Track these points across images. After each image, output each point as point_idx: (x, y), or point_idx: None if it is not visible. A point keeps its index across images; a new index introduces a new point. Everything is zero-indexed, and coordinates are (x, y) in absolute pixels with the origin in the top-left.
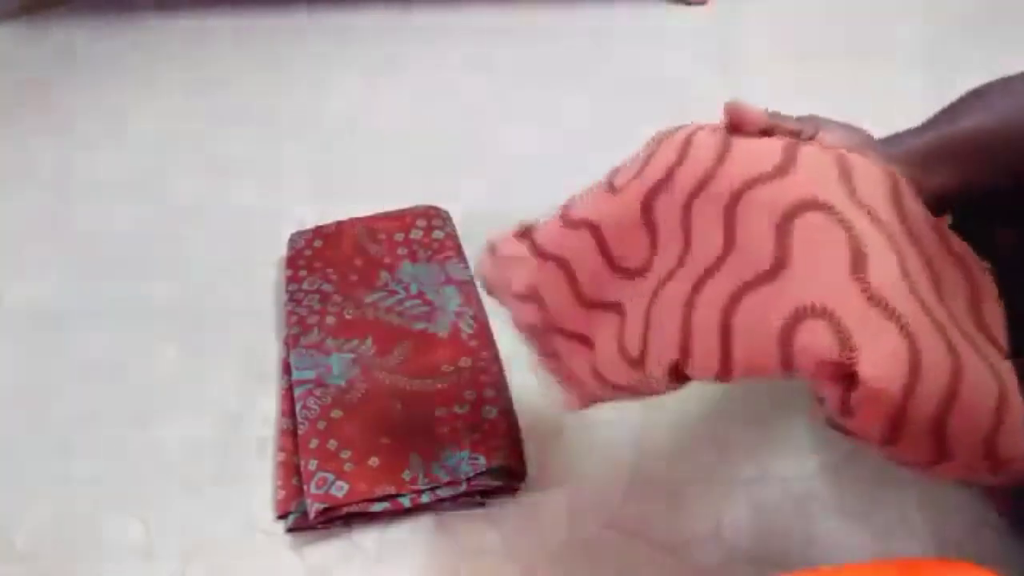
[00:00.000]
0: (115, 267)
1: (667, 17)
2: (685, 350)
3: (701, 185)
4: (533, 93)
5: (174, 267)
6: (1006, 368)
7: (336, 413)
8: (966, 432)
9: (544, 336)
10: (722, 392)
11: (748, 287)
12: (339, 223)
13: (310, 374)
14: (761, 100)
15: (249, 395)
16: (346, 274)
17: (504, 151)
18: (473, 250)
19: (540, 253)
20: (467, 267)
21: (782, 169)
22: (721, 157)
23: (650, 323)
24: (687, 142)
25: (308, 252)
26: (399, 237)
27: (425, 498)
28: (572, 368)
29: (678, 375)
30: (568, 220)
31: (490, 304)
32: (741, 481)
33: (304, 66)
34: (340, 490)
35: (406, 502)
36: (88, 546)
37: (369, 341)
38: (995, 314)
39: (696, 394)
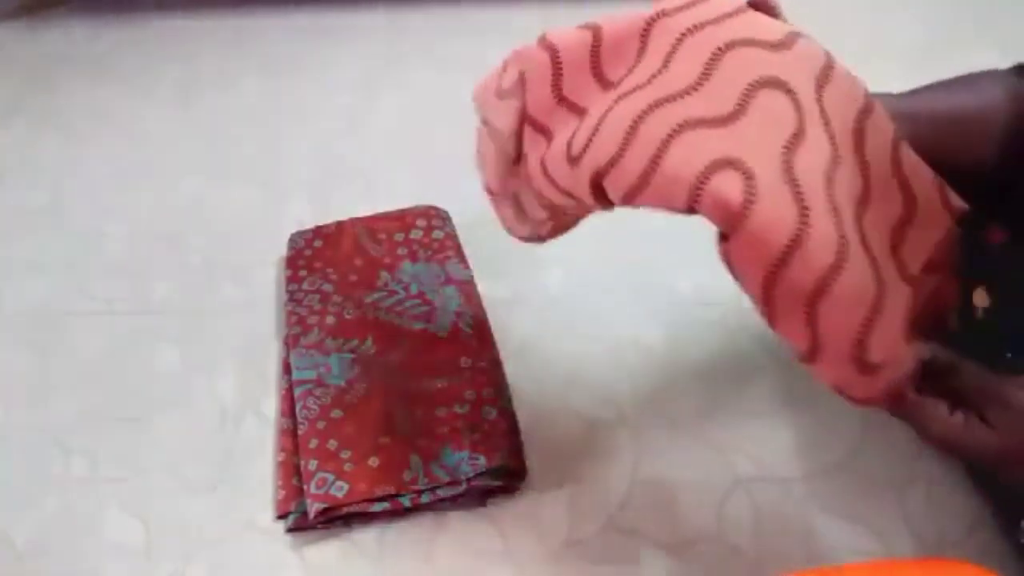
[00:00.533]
0: (115, 267)
1: None
2: (614, 160)
3: (703, 26)
4: None
5: (174, 267)
6: (899, 286)
7: (336, 413)
8: (836, 325)
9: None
10: (722, 392)
11: (699, 123)
12: (339, 223)
13: (310, 374)
14: None
15: (249, 395)
16: (346, 274)
17: None
18: (473, 250)
19: (540, 41)
20: (467, 267)
21: (777, 46)
22: (733, 14)
23: (599, 129)
24: None
25: (308, 252)
26: (399, 237)
27: (425, 498)
28: (529, 169)
29: (598, 187)
30: (584, 22)
31: (489, 304)
32: (741, 481)
33: (304, 66)
34: (340, 490)
35: (406, 502)
36: (88, 546)
37: (369, 341)
38: (920, 241)
39: (697, 394)
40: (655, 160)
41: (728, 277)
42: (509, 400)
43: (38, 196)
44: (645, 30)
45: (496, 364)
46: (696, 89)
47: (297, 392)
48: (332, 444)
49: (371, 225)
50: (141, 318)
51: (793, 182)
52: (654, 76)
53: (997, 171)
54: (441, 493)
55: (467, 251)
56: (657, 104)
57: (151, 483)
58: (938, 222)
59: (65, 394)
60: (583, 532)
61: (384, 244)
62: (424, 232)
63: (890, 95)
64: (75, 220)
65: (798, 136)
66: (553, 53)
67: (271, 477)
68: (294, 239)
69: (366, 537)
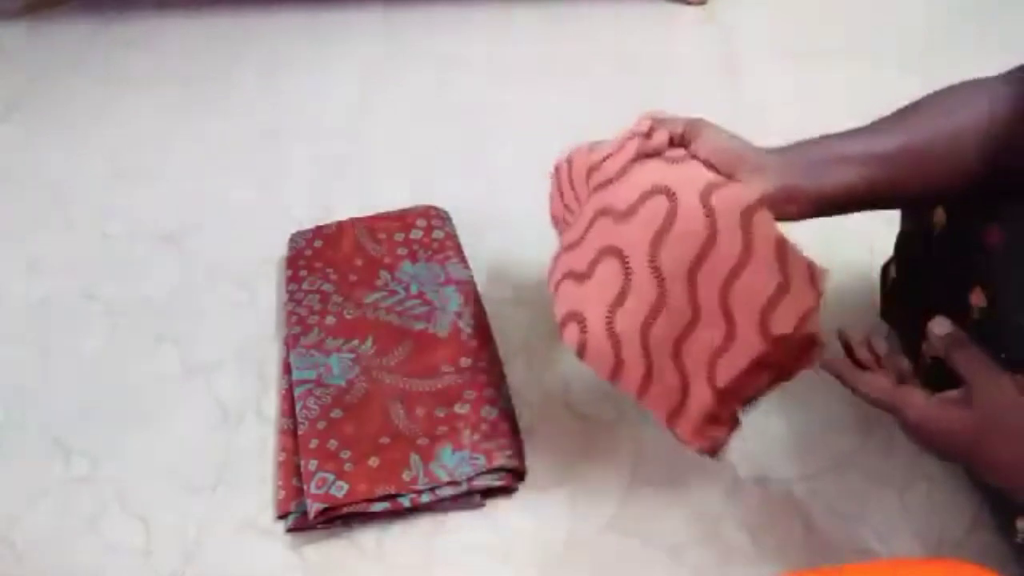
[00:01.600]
0: (115, 267)
1: (667, 17)
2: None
3: (607, 184)
4: (532, 93)
5: (174, 267)
6: (703, 386)
7: (336, 413)
8: (658, 416)
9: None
10: None
11: (570, 275)
12: (339, 223)
13: (310, 374)
14: (761, 100)
15: (249, 395)
16: (346, 274)
17: (502, 151)
18: (472, 251)
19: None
20: (467, 267)
21: (626, 214)
22: (611, 154)
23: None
24: (624, 137)
25: (308, 252)
26: (399, 237)
27: (425, 498)
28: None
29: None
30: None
31: (489, 304)
32: (741, 481)
33: (304, 66)
34: (340, 490)
35: (406, 502)
36: (88, 546)
37: (369, 341)
38: (791, 309)
39: None
40: (554, 296)
41: None
42: (509, 400)
43: (38, 196)
44: (589, 174)
45: (496, 364)
46: (577, 246)
47: (297, 392)
48: (332, 444)
49: (371, 225)
50: (141, 318)
51: (613, 335)
52: (576, 221)
53: (988, 181)
54: (441, 493)
55: (467, 251)
56: (564, 248)
57: (151, 483)
58: (807, 296)
59: (65, 394)
60: (583, 532)
61: (384, 244)
62: (424, 232)
63: (866, 133)
64: (75, 220)
65: (622, 295)
66: (554, 178)
67: (271, 477)
68: (294, 239)
69: (366, 537)
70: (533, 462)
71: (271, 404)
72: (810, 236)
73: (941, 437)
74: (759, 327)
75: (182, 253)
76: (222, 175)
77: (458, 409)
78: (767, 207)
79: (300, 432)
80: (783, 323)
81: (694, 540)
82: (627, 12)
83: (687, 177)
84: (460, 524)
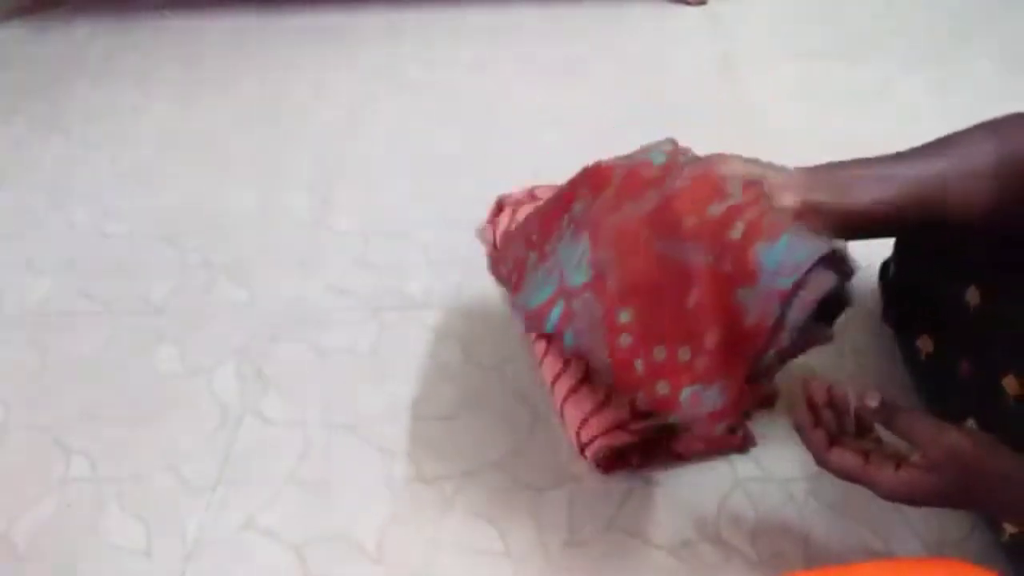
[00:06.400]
0: (115, 267)
1: (667, 17)
2: None
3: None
4: (533, 92)
5: (174, 267)
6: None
7: (624, 316)
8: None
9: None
10: None
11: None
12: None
13: (546, 292)
14: (761, 100)
15: (249, 395)
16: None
17: (502, 150)
18: (472, 249)
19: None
20: None
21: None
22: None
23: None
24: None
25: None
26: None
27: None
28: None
29: None
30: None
31: (495, 304)
32: (741, 481)
33: (304, 66)
34: (716, 399)
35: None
36: (88, 546)
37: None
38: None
39: None
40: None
41: None
42: None
43: (38, 196)
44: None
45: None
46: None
47: (552, 323)
48: (660, 353)
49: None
50: (141, 318)
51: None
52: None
53: (990, 226)
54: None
55: (466, 250)
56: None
57: (151, 483)
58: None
59: (65, 394)
60: (583, 532)
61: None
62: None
63: (899, 158)
64: (75, 220)
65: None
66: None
67: (271, 477)
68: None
69: (366, 537)
70: (533, 462)
71: (271, 404)
72: None
73: (918, 500)
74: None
75: (182, 253)
76: (222, 175)
77: (734, 199)
78: (795, 220)
79: (608, 360)
80: None
81: (694, 540)
82: (627, 12)
83: None
84: (460, 524)
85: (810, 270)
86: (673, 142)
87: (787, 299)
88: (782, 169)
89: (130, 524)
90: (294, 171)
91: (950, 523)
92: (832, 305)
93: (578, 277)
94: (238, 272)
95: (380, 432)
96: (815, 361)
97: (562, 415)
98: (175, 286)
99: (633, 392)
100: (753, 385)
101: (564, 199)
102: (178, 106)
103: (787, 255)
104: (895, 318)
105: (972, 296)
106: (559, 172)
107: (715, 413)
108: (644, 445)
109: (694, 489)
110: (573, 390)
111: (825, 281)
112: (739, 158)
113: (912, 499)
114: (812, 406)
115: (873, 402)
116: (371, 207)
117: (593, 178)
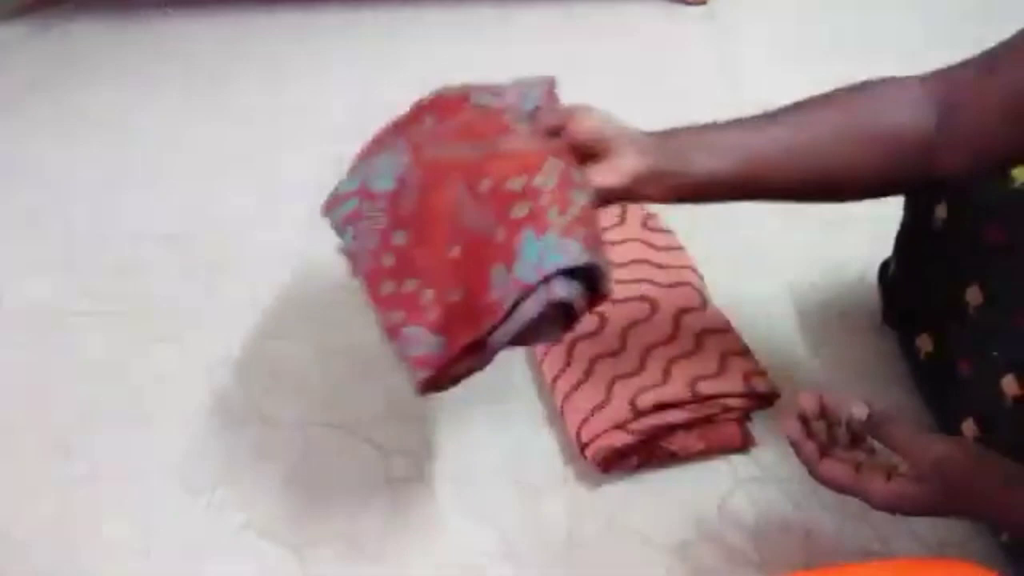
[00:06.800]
0: (115, 267)
1: (667, 17)
2: None
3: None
4: None
5: (174, 267)
6: None
7: (399, 237)
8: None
9: None
10: None
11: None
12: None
13: (352, 184)
14: (761, 100)
15: (250, 395)
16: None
17: None
18: None
19: None
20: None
21: None
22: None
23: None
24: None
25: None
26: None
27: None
28: None
29: None
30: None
31: None
32: (741, 481)
33: (304, 66)
34: (437, 347)
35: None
36: (88, 546)
37: (429, 120)
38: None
39: None
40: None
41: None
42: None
43: (38, 196)
44: None
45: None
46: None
47: (338, 214)
48: (410, 284)
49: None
50: (141, 318)
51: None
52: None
53: (917, 185)
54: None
55: None
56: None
57: (151, 483)
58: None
59: (65, 394)
60: (583, 532)
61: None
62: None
63: (746, 124)
64: (75, 220)
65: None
66: None
67: (271, 477)
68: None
69: (366, 537)
70: (533, 462)
71: (272, 404)
72: (811, 237)
73: (911, 511)
74: None
75: (182, 253)
76: (222, 174)
77: (539, 182)
78: (634, 186)
79: (364, 270)
80: None
81: (694, 540)
82: (627, 12)
83: None
84: (460, 524)
85: (559, 274)
86: (550, 83)
87: (527, 292)
88: (632, 133)
89: (130, 524)
90: (294, 171)
91: (950, 524)
92: (570, 312)
93: (382, 183)
94: (238, 272)
95: (380, 432)
96: (815, 361)
97: (562, 415)
98: (175, 286)
99: (373, 308)
100: (471, 355)
101: (414, 116)
102: (178, 106)
103: (545, 252)
104: (895, 318)
105: (972, 296)
106: None
107: (423, 359)
108: (644, 445)
109: (694, 489)
110: (573, 390)
111: (563, 289)
112: (599, 114)
113: (903, 509)
114: (803, 418)
115: (861, 414)
116: None
117: (443, 108)
